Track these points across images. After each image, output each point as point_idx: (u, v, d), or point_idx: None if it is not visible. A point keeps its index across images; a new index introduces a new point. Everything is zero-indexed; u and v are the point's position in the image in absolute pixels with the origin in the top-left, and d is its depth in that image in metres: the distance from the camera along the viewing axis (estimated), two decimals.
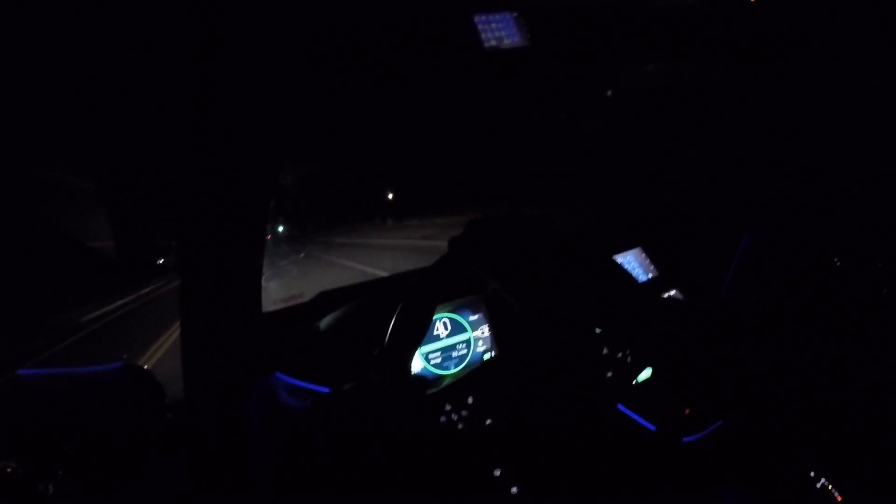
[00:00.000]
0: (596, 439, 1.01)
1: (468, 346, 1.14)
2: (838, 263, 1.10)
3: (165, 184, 0.70)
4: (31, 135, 0.80)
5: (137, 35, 0.63)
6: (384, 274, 1.39)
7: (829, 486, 0.94)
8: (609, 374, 1.11)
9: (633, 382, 1.13)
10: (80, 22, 0.63)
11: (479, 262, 0.72)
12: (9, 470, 0.67)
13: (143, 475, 0.78)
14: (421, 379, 1.06)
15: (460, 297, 1.15)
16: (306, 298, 1.17)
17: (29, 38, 0.62)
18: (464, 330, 1.14)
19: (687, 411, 1.10)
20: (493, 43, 0.87)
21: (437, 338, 1.12)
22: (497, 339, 1.15)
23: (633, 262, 1.38)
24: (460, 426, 0.96)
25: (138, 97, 0.68)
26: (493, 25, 0.88)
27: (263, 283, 0.88)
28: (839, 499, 0.92)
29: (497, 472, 0.92)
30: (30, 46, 0.63)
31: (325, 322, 1.06)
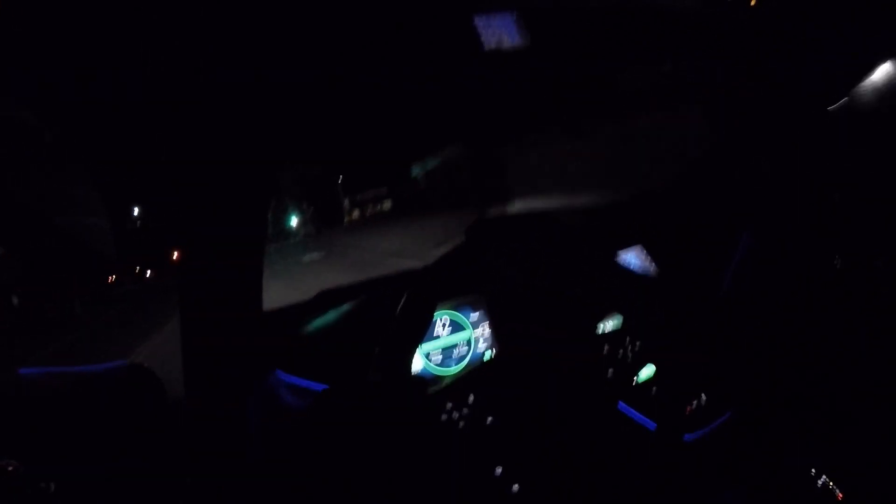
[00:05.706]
0: (596, 438, 1.01)
1: (469, 345, 1.14)
2: (838, 264, 1.10)
3: (165, 180, 0.70)
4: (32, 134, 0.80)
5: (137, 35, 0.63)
6: None
7: (830, 485, 0.94)
8: (609, 374, 1.11)
9: (634, 381, 1.13)
10: (79, 22, 0.63)
11: (496, 250, 0.72)
12: (9, 469, 0.67)
13: (143, 474, 0.78)
14: (421, 378, 1.06)
15: (461, 296, 1.14)
16: (306, 297, 1.17)
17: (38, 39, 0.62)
18: (464, 328, 1.14)
19: (688, 410, 1.10)
20: (493, 44, 0.87)
21: (438, 336, 1.12)
22: (498, 337, 1.15)
23: (633, 262, 1.38)
24: (461, 425, 0.96)
25: (136, 93, 0.68)
26: (493, 26, 0.88)
27: (264, 281, 0.88)
28: (840, 497, 0.92)
29: (498, 471, 0.92)
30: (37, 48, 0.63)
31: (325, 321, 1.06)
